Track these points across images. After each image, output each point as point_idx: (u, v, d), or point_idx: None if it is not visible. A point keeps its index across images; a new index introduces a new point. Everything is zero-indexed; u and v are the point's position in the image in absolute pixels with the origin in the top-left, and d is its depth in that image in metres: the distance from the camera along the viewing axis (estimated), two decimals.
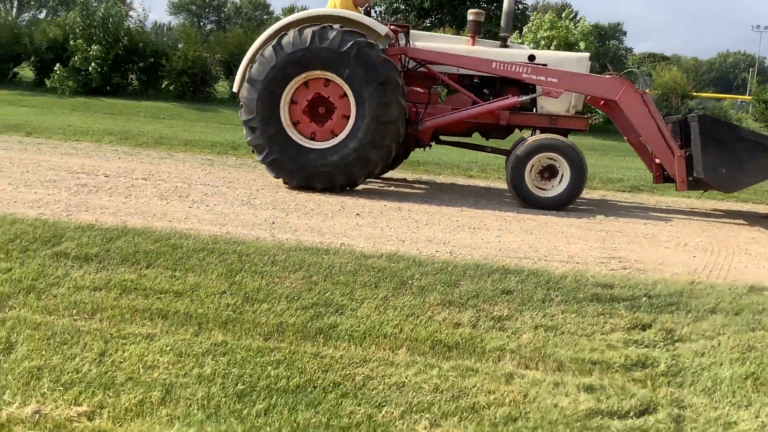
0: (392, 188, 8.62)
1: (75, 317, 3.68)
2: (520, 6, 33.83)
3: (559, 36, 20.35)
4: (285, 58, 7.48)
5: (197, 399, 3.02)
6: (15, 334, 3.42)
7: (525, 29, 22.08)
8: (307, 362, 3.39)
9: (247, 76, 7.68)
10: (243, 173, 8.87)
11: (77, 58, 20.89)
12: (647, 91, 8.17)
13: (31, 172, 7.33)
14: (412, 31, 8.70)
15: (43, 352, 3.29)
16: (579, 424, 3.02)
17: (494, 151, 9.06)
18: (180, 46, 24.84)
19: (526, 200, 7.79)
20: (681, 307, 4.33)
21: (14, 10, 63.62)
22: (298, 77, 7.56)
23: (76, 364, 3.22)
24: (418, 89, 8.29)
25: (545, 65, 8.15)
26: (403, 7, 33.18)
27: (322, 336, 3.68)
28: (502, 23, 8.91)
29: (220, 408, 2.97)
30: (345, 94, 7.59)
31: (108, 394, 3.00)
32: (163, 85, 24.20)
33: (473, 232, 6.19)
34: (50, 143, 10.41)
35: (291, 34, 7.51)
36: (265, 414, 2.94)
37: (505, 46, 8.70)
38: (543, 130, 8.20)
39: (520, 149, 7.77)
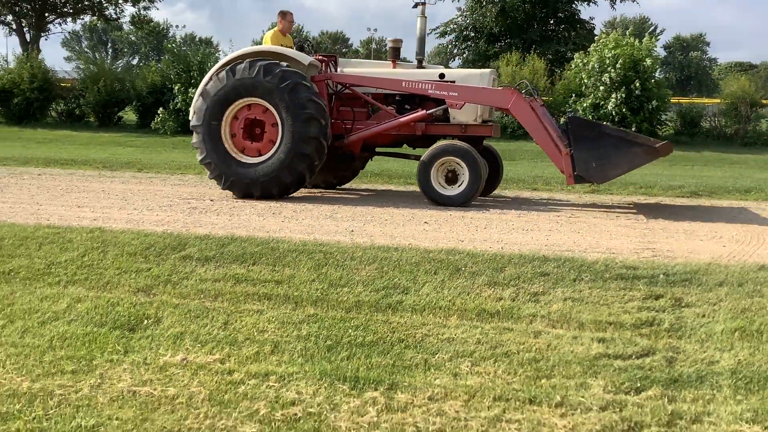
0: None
1: (203, 299, 4.83)
2: (588, 26, 34.29)
3: (624, 53, 20.87)
4: (234, 82, 8.95)
5: (297, 350, 4.07)
6: (161, 311, 4.58)
7: (591, 48, 22.67)
8: (379, 326, 4.40)
9: (201, 91, 9.25)
10: (326, 194, 10.00)
11: (178, 100, 22.70)
12: (536, 98, 9.15)
13: (150, 200, 8.68)
14: (341, 59, 10.24)
15: (183, 323, 4.43)
16: (588, 363, 3.91)
17: (417, 158, 9.82)
18: None
19: (433, 199, 8.90)
20: (693, 282, 5.12)
21: (109, 57, 67.99)
22: (241, 100, 9.02)
23: (208, 329, 4.34)
24: (347, 108, 9.69)
25: (453, 81, 9.33)
26: (472, 34, 34.17)
27: (390, 309, 4.69)
28: (417, 48, 10.17)
29: (314, 356, 4.01)
30: (275, 117, 8.95)
31: (233, 348, 4.10)
32: None
33: (525, 232, 7.09)
34: (159, 177, 11.88)
35: (244, 65, 8.97)
36: (347, 359, 3.96)
37: (420, 67, 9.98)
38: (457, 138, 9.24)
39: (424, 155, 8.92)
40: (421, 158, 8.95)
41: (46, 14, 31.82)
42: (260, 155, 9.07)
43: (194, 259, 5.57)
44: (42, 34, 32.00)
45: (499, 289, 5.00)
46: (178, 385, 3.63)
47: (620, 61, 20.70)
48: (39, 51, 28.52)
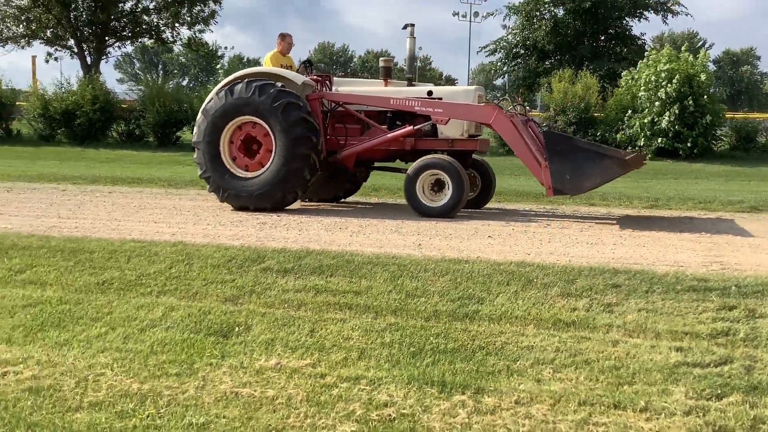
0: (517, 216, 9.67)
1: (287, 309, 5.06)
2: (638, 41, 34.10)
3: (680, 69, 20.75)
4: (232, 101, 9.48)
5: (383, 356, 4.27)
6: (250, 320, 4.83)
7: (640, 64, 22.59)
8: (459, 334, 4.57)
9: (203, 109, 9.81)
10: (389, 210, 10.22)
11: None
12: (516, 114, 9.40)
13: (220, 216, 9.01)
14: (337, 79, 10.69)
15: (272, 330, 4.66)
16: (668, 370, 4.02)
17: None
18: None
19: (419, 211, 9.20)
20: (765, 294, 5.18)
21: (160, 78, 69.80)
22: (238, 118, 9.53)
23: (296, 336, 4.57)
24: (340, 125, 10.12)
25: (440, 98, 9.66)
26: (522, 51, 34.26)
27: (468, 318, 4.86)
28: (407, 66, 10.73)
29: (400, 362, 4.20)
30: (269, 135, 9.42)
31: (322, 354, 4.31)
32: None
33: (590, 246, 7.19)
34: None
35: (241, 85, 9.46)
36: (432, 365, 4.14)
37: (410, 85, 10.33)
38: (445, 152, 9.56)
39: (410, 169, 9.31)
40: (407, 172, 9.35)
41: (107, 38, 32.97)
42: (256, 170, 9.58)
43: (274, 270, 5.81)
44: (102, 57, 33.11)
45: (573, 300, 5.12)
46: (276, 387, 3.86)
47: (676, 76, 20.58)
48: (100, 73, 29.57)
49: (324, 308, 5.06)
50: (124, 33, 33.74)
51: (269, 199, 9.41)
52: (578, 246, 7.19)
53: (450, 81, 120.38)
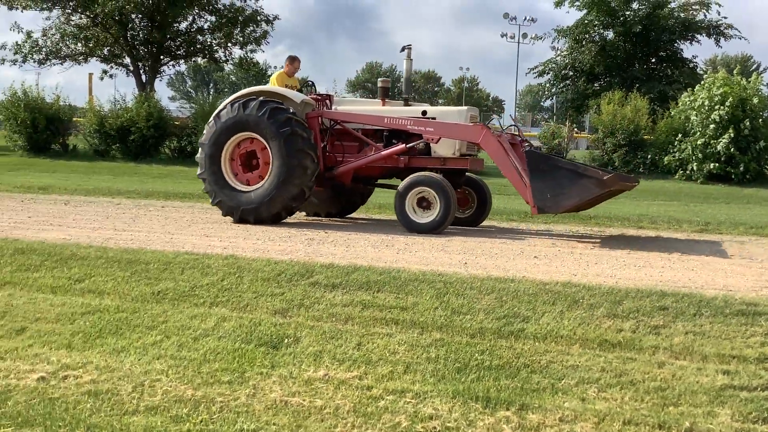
0: (563, 238, 9.66)
1: (335, 322, 5.17)
2: (690, 64, 33.70)
3: (732, 92, 20.46)
4: (238, 116, 9.93)
5: (428, 371, 4.34)
6: (299, 332, 4.95)
7: (697, 87, 22.33)
8: (504, 351, 4.62)
9: (215, 114, 10.31)
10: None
11: None
12: (504, 133, 9.71)
13: (270, 232, 9.20)
14: (337, 98, 11.21)
15: (320, 342, 4.78)
16: (714, 393, 4.01)
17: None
18: None
19: (408, 227, 9.52)
20: None
21: (210, 96, 71.19)
22: (241, 132, 10.00)
23: (343, 349, 4.67)
24: (338, 143, 10.50)
25: (434, 118, 10.00)
26: (571, 73, 34.13)
27: (513, 336, 4.90)
28: (403, 87, 11.18)
29: (445, 376, 4.27)
30: (267, 151, 9.85)
31: (368, 367, 4.41)
32: None
33: (638, 269, 7.15)
34: None
35: (246, 102, 9.91)
36: (477, 381, 4.20)
37: (407, 104, 10.71)
38: (437, 170, 9.81)
39: (400, 186, 9.62)
40: (397, 188, 9.67)
41: (161, 57, 33.87)
42: (250, 185, 10.03)
43: (322, 285, 5.94)
44: (156, 76, 34.00)
45: (619, 321, 5.13)
46: (323, 397, 3.96)
47: (729, 100, 20.30)
48: (154, 91, 30.35)
49: (371, 323, 5.16)
50: (179, 52, 34.60)
51: (265, 212, 9.83)
52: (626, 268, 7.16)
53: (497, 102, 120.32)
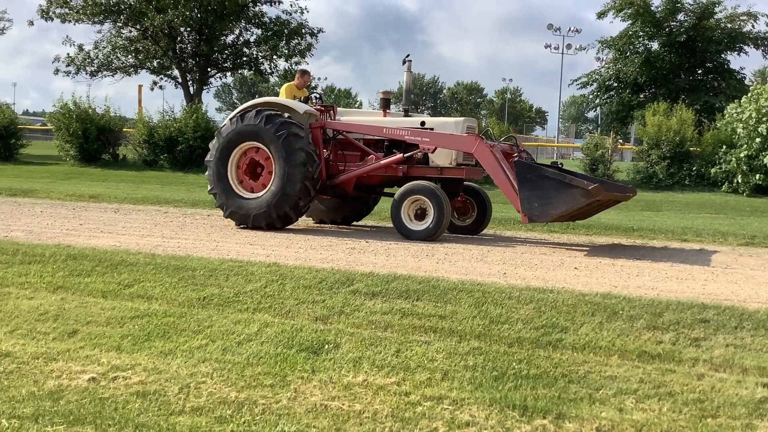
0: (605, 249, 9.61)
1: (374, 330, 5.27)
2: (737, 75, 33.10)
3: None
4: (241, 127, 10.38)
5: (466, 378, 4.40)
6: (339, 338, 5.05)
7: (744, 99, 21.95)
8: (541, 361, 4.66)
9: (218, 131, 10.83)
10: (475, 240, 10.34)
11: None
12: (496, 144, 9.96)
13: (311, 240, 9.36)
14: (341, 109, 11.53)
15: (360, 349, 4.87)
16: (753, 405, 4.00)
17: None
18: None
19: (403, 233, 9.80)
20: None
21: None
22: (246, 143, 10.42)
23: (382, 356, 4.76)
24: (341, 152, 10.82)
25: (432, 129, 10.25)
26: (615, 84, 33.83)
27: (551, 346, 4.93)
28: (403, 99, 11.49)
29: (482, 384, 4.32)
30: (270, 160, 10.23)
31: (407, 373, 4.48)
32: None
33: (680, 282, 7.10)
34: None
35: (251, 113, 10.32)
36: (514, 389, 4.25)
37: (407, 115, 11.06)
38: (435, 179, 10.16)
39: (396, 194, 9.97)
40: (394, 197, 10.00)
41: (209, 69, 34.56)
42: (257, 192, 10.39)
43: (362, 293, 6.04)
44: (204, 87, 34.70)
45: (659, 333, 5.12)
46: (362, 402, 4.05)
47: None
48: (202, 102, 30.94)
49: (410, 330, 5.24)
50: (225, 64, 35.26)
51: (264, 220, 10.18)
52: (668, 281, 7.12)
53: (540, 114, 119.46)
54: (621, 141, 33.51)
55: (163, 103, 74.01)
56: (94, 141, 27.59)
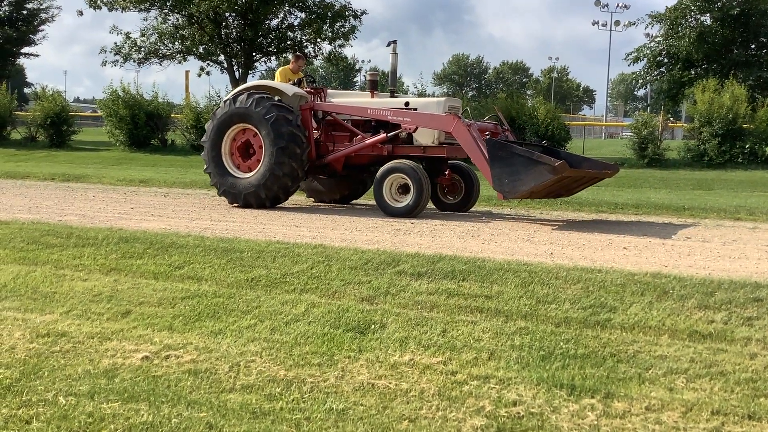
0: (656, 228, 9.45)
1: (420, 310, 5.28)
2: None
3: None
4: (234, 109, 10.91)
5: (513, 358, 4.39)
6: (385, 318, 5.08)
7: None
8: (589, 341, 4.61)
9: (212, 114, 11.40)
10: (519, 221, 10.27)
11: None
12: (473, 123, 10.15)
13: (357, 222, 9.41)
14: (331, 91, 11.96)
15: (406, 329, 4.89)
16: None
17: None
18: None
19: (385, 210, 10.16)
20: None
21: None
22: (238, 124, 10.98)
23: (428, 335, 4.77)
24: (330, 133, 11.29)
25: (415, 109, 10.61)
26: (666, 60, 33.00)
27: (599, 326, 4.88)
28: (389, 79, 11.69)
29: (530, 364, 4.30)
30: (260, 141, 10.70)
31: (453, 353, 4.49)
32: None
33: (733, 260, 6.95)
34: (358, 203, 12.73)
35: (243, 96, 10.87)
36: (562, 369, 4.21)
37: (392, 96, 11.39)
38: (418, 158, 10.55)
39: (378, 173, 10.20)
40: (376, 175, 10.26)
41: (254, 53, 34.77)
42: (249, 171, 10.90)
43: (408, 274, 6.05)
44: (249, 72, 34.95)
45: (710, 312, 5.02)
46: (409, 381, 4.07)
47: None
48: None
49: (455, 311, 5.24)
50: (270, 49, 35.43)
51: (254, 198, 10.71)
52: (720, 260, 6.97)
53: (588, 92, 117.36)
54: (671, 119, 32.79)
55: (210, 89, 74.90)
56: (143, 127, 28.11)
